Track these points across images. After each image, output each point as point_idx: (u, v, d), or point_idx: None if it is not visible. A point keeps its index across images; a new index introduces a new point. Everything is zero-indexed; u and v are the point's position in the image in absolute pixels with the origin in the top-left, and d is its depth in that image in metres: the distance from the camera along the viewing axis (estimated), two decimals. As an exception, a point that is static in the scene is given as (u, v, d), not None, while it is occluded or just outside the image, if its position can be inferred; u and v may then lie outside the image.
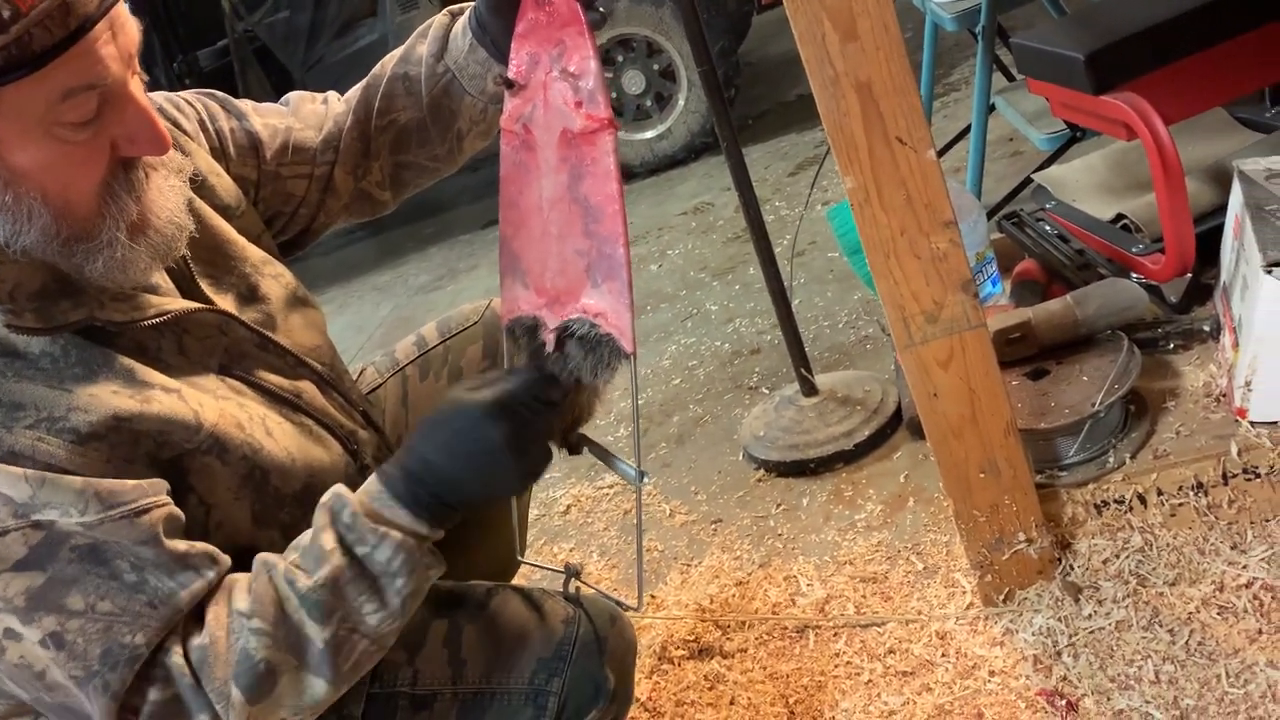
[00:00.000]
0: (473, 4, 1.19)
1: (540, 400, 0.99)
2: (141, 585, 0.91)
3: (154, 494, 0.92)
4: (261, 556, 0.97)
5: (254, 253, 1.16)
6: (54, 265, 0.94)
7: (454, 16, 1.23)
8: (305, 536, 0.97)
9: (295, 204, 1.26)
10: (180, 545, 0.93)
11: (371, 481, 0.98)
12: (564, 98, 1.04)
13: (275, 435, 1.06)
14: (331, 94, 1.32)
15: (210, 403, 1.01)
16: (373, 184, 1.31)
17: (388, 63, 1.27)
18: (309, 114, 1.28)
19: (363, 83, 1.29)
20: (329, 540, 0.95)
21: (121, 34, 0.89)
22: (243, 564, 1.00)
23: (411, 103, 1.25)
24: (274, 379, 1.10)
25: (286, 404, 1.10)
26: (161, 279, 1.04)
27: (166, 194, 0.99)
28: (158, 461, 0.96)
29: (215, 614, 0.93)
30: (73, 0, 0.84)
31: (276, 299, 1.15)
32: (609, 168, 1.00)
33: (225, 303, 1.08)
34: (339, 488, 0.99)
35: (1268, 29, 1.63)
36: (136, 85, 0.93)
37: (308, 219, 1.29)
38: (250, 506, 1.04)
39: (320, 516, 0.97)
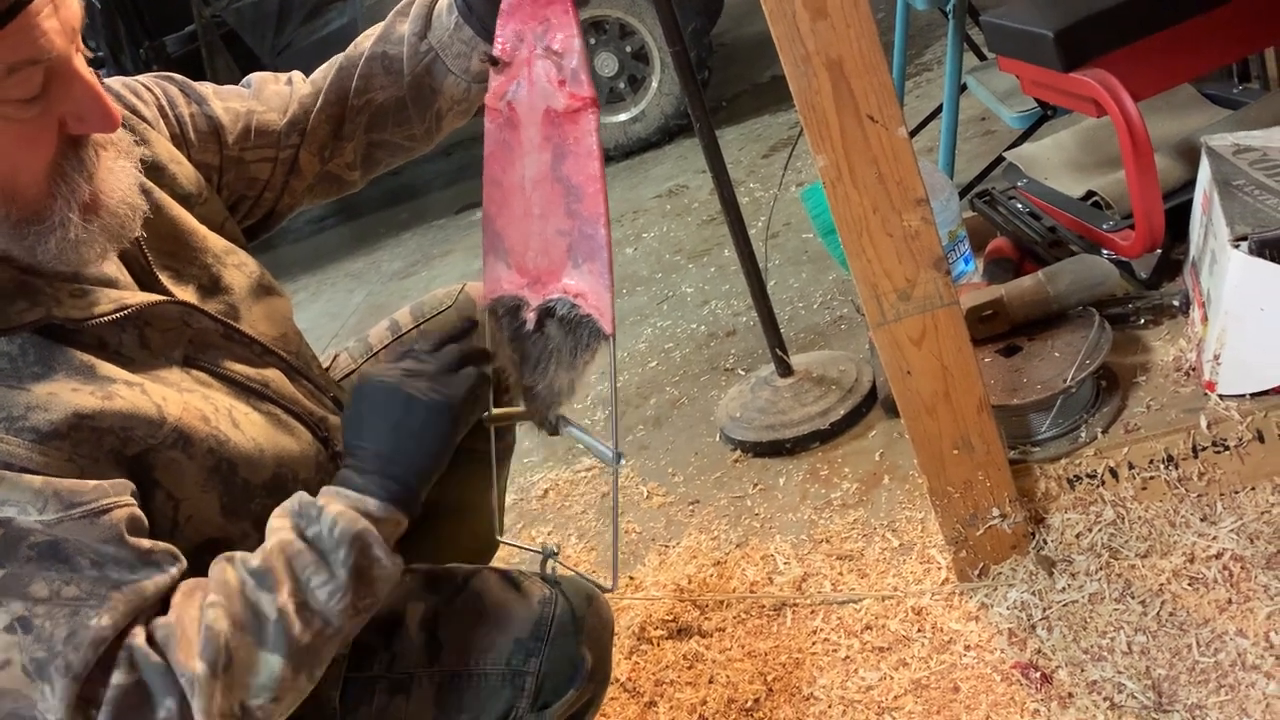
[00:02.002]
0: None
1: (434, 349, 1.02)
2: (104, 577, 0.89)
3: (115, 494, 0.91)
4: (223, 554, 0.97)
5: (216, 242, 1.14)
6: (8, 260, 0.93)
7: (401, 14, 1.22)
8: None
9: (259, 188, 1.24)
10: (144, 543, 0.92)
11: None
12: (548, 76, 1.03)
13: (242, 426, 1.05)
14: (295, 74, 1.30)
15: (174, 396, 0.99)
16: (342, 165, 1.29)
17: (363, 42, 1.25)
18: (272, 95, 1.26)
19: (334, 63, 1.27)
20: (278, 521, 0.97)
21: (64, 7, 0.88)
22: (214, 555, 1.00)
23: (391, 82, 1.23)
24: (240, 369, 1.09)
25: (253, 393, 1.09)
26: (119, 272, 1.02)
27: (118, 174, 0.97)
28: (122, 458, 0.94)
29: (180, 602, 0.93)
30: None
31: (240, 289, 1.14)
32: (591, 147, 1.00)
33: (186, 294, 1.07)
34: (300, 493, 1.00)
35: (1234, 5, 1.64)
36: (81, 61, 0.91)
37: (272, 202, 1.27)
38: (219, 498, 1.03)
39: (277, 510, 0.99)
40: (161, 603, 0.93)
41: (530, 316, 1.07)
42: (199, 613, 0.91)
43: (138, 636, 0.90)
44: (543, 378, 1.11)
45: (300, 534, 0.95)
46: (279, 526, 0.96)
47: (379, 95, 1.24)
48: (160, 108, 1.16)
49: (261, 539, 1.08)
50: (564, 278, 1.03)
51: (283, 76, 1.29)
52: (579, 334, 1.03)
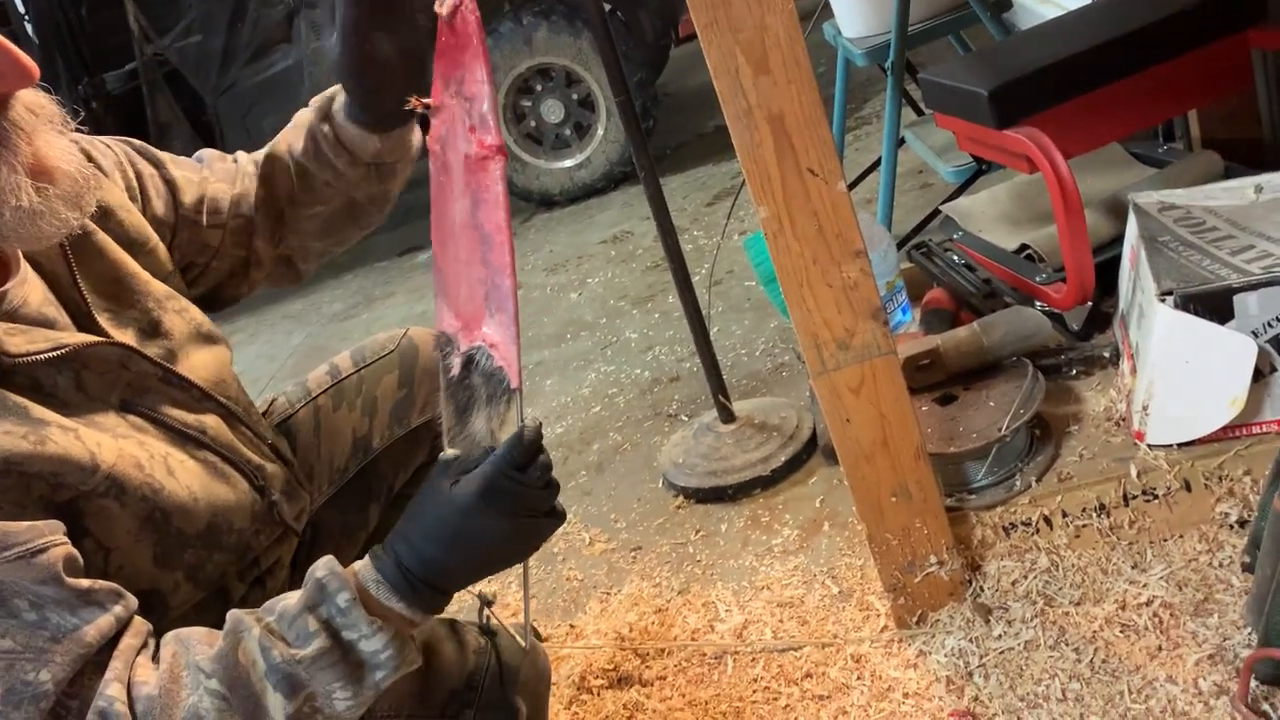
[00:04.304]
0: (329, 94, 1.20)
1: (522, 470, 0.96)
2: (43, 623, 0.87)
3: (50, 533, 0.88)
4: (235, 615, 0.93)
5: (157, 287, 1.12)
6: None
7: (299, 123, 1.23)
8: (287, 603, 0.94)
9: (210, 255, 1.24)
10: (83, 582, 0.89)
11: (366, 567, 0.96)
12: (463, 122, 1.03)
13: (177, 474, 1.03)
14: (240, 155, 1.31)
15: (108, 442, 0.97)
16: (293, 248, 1.31)
17: (282, 150, 1.25)
18: (221, 169, 1.27)
19: (266, 169, 1.26)
20: (313, 622, 0.92)
21: None
22: (146, 606, 0.97)
23: (319, 199, 1.26)
24: (178, 414, 1.07)
25: (190, 440, 1.07)
26: (58, 313, 1.00)
27: (61, 141, 0.94)
28: (52, 504, 0.92)
29: (171, 666, 0.89)
30: None
31: (180, 334, 1.12)
32: (498, 195, 1.00)
33: (125, 337, 1.05)
34: (332, 561, 0.95)
35: (1159, 69, 1.70)
36: None
37: (223, 274, 1.26)
38: (152, 548, 1.00)
39: (310, 591, 0.94)
40: (153, 656, 0.90)
41: (456, 362, 1.07)
42: (192, 688, 0.88)
43: (116, 702, 0.86)
44: (467, 424, 1.10)
45: (335, 637, 0.92)
46: (315, 629, 0.91)
47: (324, 209, 1.26)
48: (119, 163, 1.16)
49: (194, 590, 1.06)
50: (483, 325, 1.03)
51: (229, 156, 1.30)
52: (493, 384, 1.03)
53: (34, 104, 0.92)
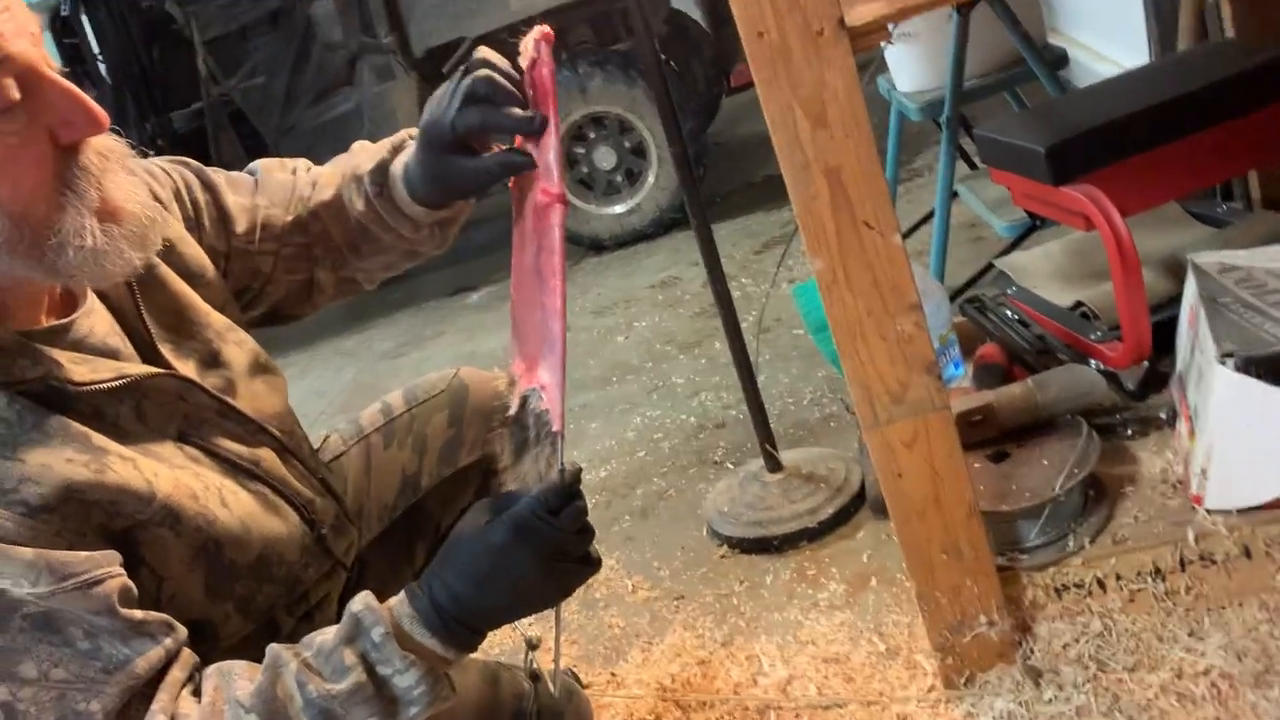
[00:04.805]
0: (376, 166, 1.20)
1: (554, 513, 0.96)
2: (96, 652, 0.88)
3: (107, 564, 0.91)
4: (274, 650, 0.94)
5: (217, 319, 1.15)
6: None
7: (358, 180, 1.22)
8: (325, 638, 0.95)
9: (263, 280, 1.26)
10: (136, 614, 0.91)
11: (401, 603, 0.96)
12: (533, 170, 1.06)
13: (230, 506, 1.04)
14: (300, 164, 1.31)
15: (165, 472, 0.99)
16: (356, 274, 1.31)
17: (349, 214, 1.24)
18: (276, 188, 1.26)
19: (325, 210, 1.25)
20: (350, 656, 0.93)
21: (14, 10, 0.87)
22: (197, 637, 0.98)
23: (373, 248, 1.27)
24: (233, 446, 1.09)
25: (244, 473, 1.09)
26: (123, 343, 1.03)
27: (130, 182, 0.96)
28: (109, 532, 0.94)
29: (213, 700, 0.91)
30: None
31: (238, 365, 1.14)
32: (554, 242, 1.03)
33: (186, 368, 1.07)
34: (369, 596, 0.97)
35: (1220, 128, 1.69)
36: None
37: (277, 297, 1.28)
38: (204, 578, 1.02)
39: (346, 626, 0.95)
40: (159, 676, 0.91)
41: (514, 403, 1.08)
42: None
43: None
44: (520, 464, 1.11)
45: (371, 672, 0.93)
46: (351, 664, 0.92)
47: (370, 261, 1.28)
48: (176, 191, 1.18)
49: (244, 622, 1.07)
50: (539, 369, 1.05)
51: (288, 164, 1.30)
52: (541, 427, 1.04)
53: (104, 148, 0.95)
